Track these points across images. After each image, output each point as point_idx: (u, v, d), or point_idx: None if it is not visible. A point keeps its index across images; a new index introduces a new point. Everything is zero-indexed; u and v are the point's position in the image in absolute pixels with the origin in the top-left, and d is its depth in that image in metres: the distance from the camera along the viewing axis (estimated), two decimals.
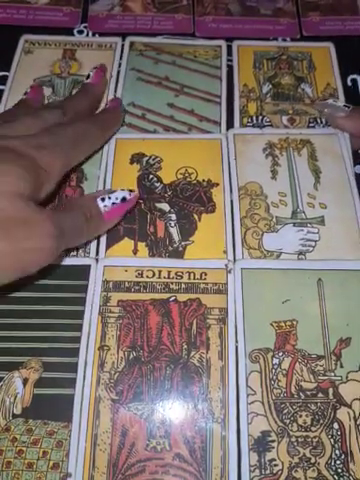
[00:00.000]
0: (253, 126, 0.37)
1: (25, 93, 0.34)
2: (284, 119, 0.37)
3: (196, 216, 0.32)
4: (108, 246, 0.31)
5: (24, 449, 0.25)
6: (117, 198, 0.29)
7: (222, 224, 0.32)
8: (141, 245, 0.31)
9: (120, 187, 0.30)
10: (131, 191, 0.30)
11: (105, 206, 0.28)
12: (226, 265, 0.30)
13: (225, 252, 0.31)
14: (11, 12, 0.42)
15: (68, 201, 0.29)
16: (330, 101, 0.36)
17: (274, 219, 0.32)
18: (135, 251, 0.31)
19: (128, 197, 0.29)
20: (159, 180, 0.34)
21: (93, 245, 0.31)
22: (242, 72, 0.40)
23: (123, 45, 0.41)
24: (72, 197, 0.32)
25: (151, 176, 0.34)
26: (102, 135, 0.33)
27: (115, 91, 0.38)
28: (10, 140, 0.25)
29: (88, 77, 0.34)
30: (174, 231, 0.32)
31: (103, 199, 0.28)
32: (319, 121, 0.37)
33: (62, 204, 0.32)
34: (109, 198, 0.28)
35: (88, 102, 0.34)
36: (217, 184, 0.33)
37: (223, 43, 0.41)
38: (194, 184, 0.34)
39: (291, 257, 0.31)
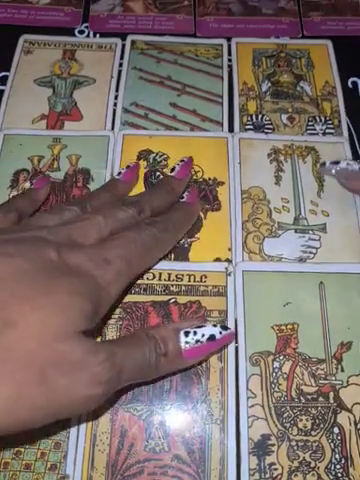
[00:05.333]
0: (253, 125, 0.36)
1: (118, 173, 0.31)
2: (284, 117, 0.37)
3: (202, 214, 0.32)
4: None
5: (22, 450, 0.25)
6: (203, 335, 0.24)
7: (227, 222, 0.32)
8: None
9: (211, 323, 0.25)
10: (224, 328, 0.24)
11: (187, 343, 0.23)
12: (226, 268, 0.30)
13: (230, 250, 0.31)
14: (12, 12, 0.42)
15: (142, 329, 0.25)
16: (343, 165, 0.32)
17: (276, 224, 0.32)
18: None
19: (218, 336, 0.24)
20: None
21: None
22: (241, 70, 0.39)
23: (124, 44, 0.40)
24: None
25: (158, 173, 0.34)
26: (174, 239, 0.29)
27: (117, 91, 0.38)
28: (74, 253, 0.22)
29: (173, 170, 0.31)
30: None
31: (187, 333, 0.23)
32: (318, 119, 0.37)
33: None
34: (194, 333, 0.24)
35: (167, 200, 0.29)
36: (223, 183, 0.33)
37: (224, 42, 0.41)
38: (200, 182, 0.34)
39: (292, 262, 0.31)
